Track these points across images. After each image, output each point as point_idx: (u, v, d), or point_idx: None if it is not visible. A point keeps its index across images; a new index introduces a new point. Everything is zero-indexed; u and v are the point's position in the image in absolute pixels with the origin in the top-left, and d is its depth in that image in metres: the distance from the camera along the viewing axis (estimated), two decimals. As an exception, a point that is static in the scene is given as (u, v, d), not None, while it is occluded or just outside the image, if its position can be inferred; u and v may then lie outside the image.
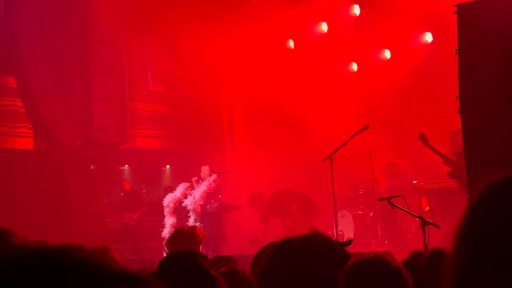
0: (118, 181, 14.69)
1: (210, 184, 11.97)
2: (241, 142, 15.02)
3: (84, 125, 13.10)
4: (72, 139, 12.96)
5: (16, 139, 13.11)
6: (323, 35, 13.89)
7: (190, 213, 11.78)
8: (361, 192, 12.74)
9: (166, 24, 13.33)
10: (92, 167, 14.88)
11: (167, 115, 15.30)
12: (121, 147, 14.08)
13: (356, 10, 13.55)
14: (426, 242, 6.29)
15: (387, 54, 13.86)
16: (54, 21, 12.61)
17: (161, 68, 15.27)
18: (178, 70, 13.88)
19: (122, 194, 14.02)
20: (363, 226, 12.19)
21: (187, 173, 12.94)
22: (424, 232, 6.39)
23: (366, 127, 9.57)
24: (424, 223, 6.42)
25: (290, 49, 14.26)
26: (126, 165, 16.75)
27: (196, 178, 12.16)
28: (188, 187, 12.07)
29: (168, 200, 12.03)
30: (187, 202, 11.85)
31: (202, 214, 11.82)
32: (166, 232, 11.51)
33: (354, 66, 14.33)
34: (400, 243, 11.19)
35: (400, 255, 3.49)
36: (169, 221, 11.86)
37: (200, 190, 11.90)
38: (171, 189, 12.68)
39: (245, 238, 11.85)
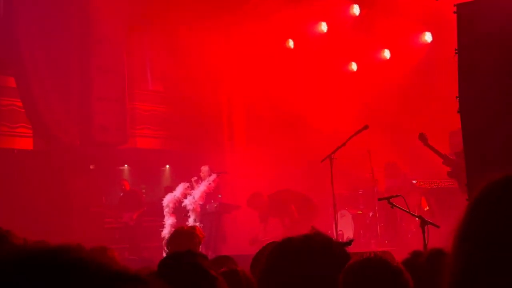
0: (117, 181, 14.69)
1: (209, 184, 11.96)
2: (241, 142, 15.03)
3: (84, 125, 13.09)
4: (71, 139, 12.95)
5: (16, 139, 13.11)
6: (323, 35, 13.90)
7: (190, 213, 11.78)
8: (360, 192, 12.74)
9: (166, 24, 13.33)
10: (91, 167, 14.88)
11: (166, 115, 15.30)
12: (120, 147, 14.08)
13: (356, 10, 13.56)
14: (426, 242, 6.29)
15: (386, 54, 13.87)
16: (54, 21, 12.61)
17: (161, 68, 15.27)
18: (178, 70, 13.88)
19: (121, 194, 14.02)
20: (362, 226, 12.19)
21: (186, 173, 12.94)
22: (423, 232, 6.39)
23: (366, 127, 9.57)
24: (423, 223, 6.42)
25: (289, 49, 14.26)
26: (126, 165, 16.75)
27: (195, 178, 12.15)
28: (188, 187, 12.07)
29: (168, 200, 12.03)
30: (187, 202, 11.85)
31: (202, 214, 11.81)
32: (165, 232, 11.50)
33: (354, 66, 14.34)
34: (399, 243, 11.19)
35: (399, 255, 3.49)
36: (169, 221, 11.85)
37: (199, 190, 11.90)
38: (171, 189, 12.67)
39: (244, 238, 11.84)
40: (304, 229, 2.35)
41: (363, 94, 13.32)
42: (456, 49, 7.04)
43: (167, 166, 17.27)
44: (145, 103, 15.26)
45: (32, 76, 12.38)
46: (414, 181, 11.80)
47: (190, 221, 11.53)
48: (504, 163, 6.30)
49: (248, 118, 15.05)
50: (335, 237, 9.17)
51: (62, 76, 12.80)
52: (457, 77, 7.06)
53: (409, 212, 7.09)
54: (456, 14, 7.12)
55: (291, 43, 14.26)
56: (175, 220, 11.78)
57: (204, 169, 12.20)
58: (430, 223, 6.46)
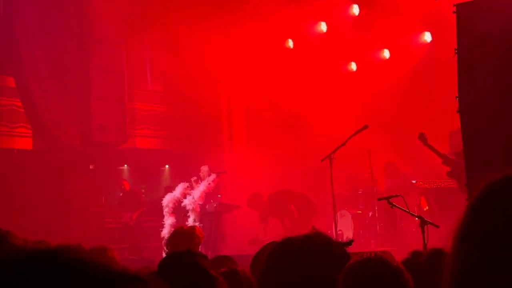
0: (117, 181, 14.69)
1: (209, 184, 11.96)
2: (240, 142, 15.02)
3: (83, 125, 13.09)
4: (71, 139, 12.95)
5: (15, 139, 13.10)
6: (322, 34, 13.90)
7: (190, 213, 11.78)
8: (360, 192, 12.74)
9: (166, 24, 13.32)
10: (91, 167, 14.89)
11: (166, 115, 15.30)
12: (120, 147, 14.08)
13: (355, 10, 13.56)
14: (425, 242, 6.29)
15: (386, 53, 13.87)
16: (54, 21, 12.60)
17: (161, 68, 15.27)
18: (178, 69, 13.88)
19: (121, 194, 14.02)
20: (362, 226, 12.19)
21: (186, 173, 12.94)
22: (423, 231, 6.39)
23: (365, 127, 9.58)
24: (423, 222, 6.42)
25: (289, 48, 14.26)
26: (126, 165, 16.75)
27: (195, 178, 12.15)
28: (188, 187, 12.07)
29: (168, 200, 12.03)
30: (186, 202, 11.85)
31: (202, 214, 11.81)
32: (165, 232, 11.50)
33: (353, 66, 14.34)
34: (399, 243, 11.17)
35: (399, 254, 3.49)
36: (169, 221, 11.85)
37: (199, 190, 11.90)
38: (171, 189, 12.67)
39: (244, 238, 11.84)
40: (303, 229, 2.35)
41: (362, 94, 13.31)
42: (455, 49, 7.05)
43: (167, 166, 17.27)
44: (144, 103, 15.26)
45: (32, 76, 12.38)
46: (414, 181, 11.80)
47: (190, 221, 11.53)
48: (503, 163, 6.30)
49: (247, 118, 15.05)
50: (334, 237, 9.17)
51: (62, 76, 12.80)
52: (456, 77, 7.07)
53: (408, 212, 7.10)
54: (455, 14, 7.13)
55: (290, 43, 14.26)
56: (175, 220, 11.78)
57: (204, 169, 12.20)
58: (430, 223, 6.46)
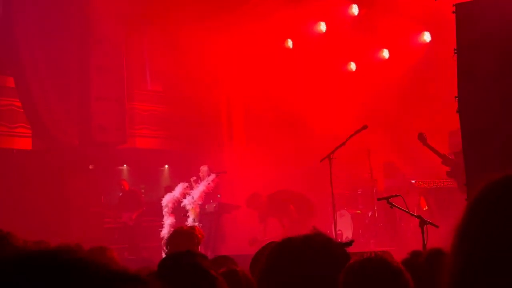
0: (117, 181, 14.70)
1: (209, 184, 11.96)
2: (240, 142, 15.03)
3: (83, 125, 13.09)
4: (71, 139, 12.95)
5: (15, 139, 13.10)
6: (322, 34, 13.89)
7: (189, 213, 11.78)
8: (359, 192, 12.74)
9: (166, 24, 13.33)
10: (91, 167, 14.88)
11: (166, 115, 15.30)
12: (120, 147, 14.08)
13: (355, 9, 13.55)
14: (425, 242, 6.29)
15: (385, 53, 13.86)
16: (53, 21, 12.61)
17: (160, 68, 15.27)
18: (177, 70, 13.88)
19: (120, 194, 14.02)
20: (361, 226, 12.19)
21: (186, 173, 12.94)
22: (422, 231, 6.39)
23: (365, 127, 9.57)
24: (422, 222, 6.42)
25: (288, 48, 14.26)
26: (125, 165, 16.75)
27: (195, 178, 12.15)
28: (187, 187, 12.07)
29: (167, 200, 12.03)
30: (186, 202, 11.85)
31: (201, 214, 11.81)
32: (165, 232, 11.50)
33: (353, 66, 14.34)
34: (399, 242, 11.18)
35: (399, 254, 3.48)
36: (168, 221, 11.85)
37: (199, 190, 11.90)
38: (170, 189, 12.67)
39: (244, 238, 11.84)
40: (303, 229, 2.35)
41: (362, 94, 13.31)
42: (455, 49, 7.05)
43: (166, 166, 17.27)
44: (144, 103, 15.27)
45: (31, 76, 12.38)
46: (413, 181, 11.80)
47: (189, 221, 11.53)
48: (503, 163, 6.30)
49: (247, 118, 15.05)
50: (334, 237, 9.17)
51: (61, 76, 12.81)
52: (455, 77, 7.07)
53: (408, 212, 7.09)
54: (455, 14, 7.13)
55: (290, 43, 14.26)
56: (174, 220, 11.78)
57: (203, 169, 12.20)
58: (429, 223, 6.46)
